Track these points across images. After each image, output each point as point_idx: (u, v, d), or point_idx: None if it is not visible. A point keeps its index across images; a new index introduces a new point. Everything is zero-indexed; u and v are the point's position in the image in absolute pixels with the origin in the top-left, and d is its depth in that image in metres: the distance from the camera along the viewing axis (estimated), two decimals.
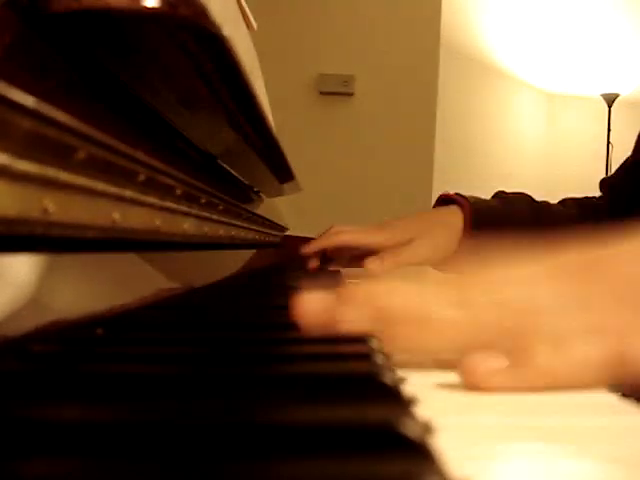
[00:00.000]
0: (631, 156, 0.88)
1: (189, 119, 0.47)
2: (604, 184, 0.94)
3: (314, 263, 0.91)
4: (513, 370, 0.25)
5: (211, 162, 0.61)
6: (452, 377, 0.26)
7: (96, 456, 0.14)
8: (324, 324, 0.29)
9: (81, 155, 0.28)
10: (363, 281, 0.32)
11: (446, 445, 0.16)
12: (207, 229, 0.56)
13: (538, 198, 0.93)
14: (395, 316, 0.28)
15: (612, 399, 0.23)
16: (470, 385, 0.25)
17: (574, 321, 0.27)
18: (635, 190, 0.82)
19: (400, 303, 0.28)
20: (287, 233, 1.18)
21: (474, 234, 0.83)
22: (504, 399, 0.24)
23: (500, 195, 0.92)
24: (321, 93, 2.27)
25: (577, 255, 0.30)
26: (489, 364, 0.25)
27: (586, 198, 0.94)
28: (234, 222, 0.68)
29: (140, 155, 0.35)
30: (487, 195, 0.92)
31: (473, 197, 0.88)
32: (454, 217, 0.85)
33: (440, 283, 0.31)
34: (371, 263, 0.83)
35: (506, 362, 0.25)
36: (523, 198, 0.91)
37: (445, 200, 0.90)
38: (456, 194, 0.89)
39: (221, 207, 0.59)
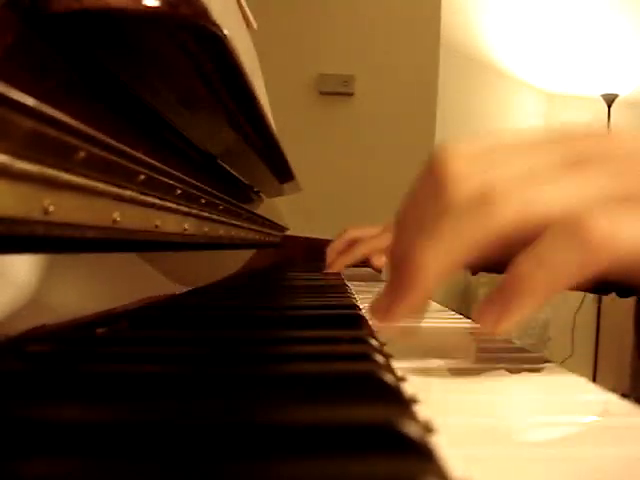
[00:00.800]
0: None
1: (189, 119, 0.47)
2: None
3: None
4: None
5: (211, 162, 0.61)
6: (452, 377, 0.26)
7: (96, 456, 0.14)
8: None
9: (81, 155, 0.28)
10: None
11: (446, 445, 0.16)
12: (207, 229, 0.56)
13: None
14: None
15: (612, 399, 0.23)
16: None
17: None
18: None
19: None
20: (287, 233, 1.18)
21: None
22: (504, 399, 0.24)
23: None
24: (321, 93, 2.27)
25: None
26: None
27: None
28: (234, 222, 0.68)
29: (140, 155, 0.35)
30: None
31: None
32: None
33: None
34: (378, 260, 0.83)
35: None
36: None
37: None
38: None
39: (221, 207, 0.59)
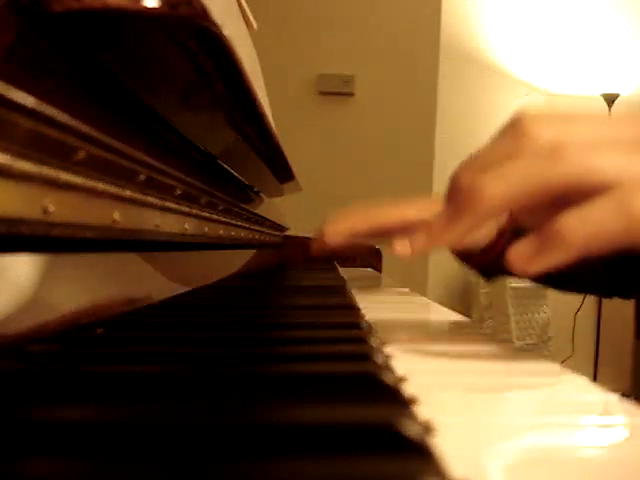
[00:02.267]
0: None
1: (189, 119, 0.47)
2: None
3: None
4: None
5: (211, 162, 0.61)
6: (452, 377, 0.26)
7: (96, 456, 0.14)
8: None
9: (81, 155, 0.28)
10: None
11: (446, 445, 0.16)
12: (207, 229, 0.56)
13: None
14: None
15: (612, 399, 0.23)
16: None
17: None
18: None
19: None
20: (287, 233, 1.18)
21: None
22: (504, 399, 0.24)
23: None
24: (321, 93, 2.27)
25: None
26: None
27: None
28: (234, 222, 0.68)
29: (140, 155, 0.35)
30: None
31: None
32: None
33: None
34: (399, 245, 0.62)
35: None
36: None
37: None
38: None
39: (221, 207, 0.59)
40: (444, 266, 2.30)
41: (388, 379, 0.20)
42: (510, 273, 0.36)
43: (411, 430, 0.15)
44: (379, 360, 0.24)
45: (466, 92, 2.73)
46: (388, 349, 0.30)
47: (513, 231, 0.42)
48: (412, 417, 0.17)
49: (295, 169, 0.83)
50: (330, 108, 2.28)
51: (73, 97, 0.28)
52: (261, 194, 0.94)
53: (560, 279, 0.43)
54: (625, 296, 0.52)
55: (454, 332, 0.40)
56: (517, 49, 2.88)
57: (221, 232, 0.62)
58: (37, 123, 0.24)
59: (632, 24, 2.89)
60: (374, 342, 0.28)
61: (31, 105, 0.22)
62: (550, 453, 0.17)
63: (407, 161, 2.27)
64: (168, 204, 0.43)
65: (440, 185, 2.38)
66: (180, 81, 0.38)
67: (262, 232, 0.89)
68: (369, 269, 1.18)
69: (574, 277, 0.42)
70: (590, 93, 2.89)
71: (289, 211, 1.30)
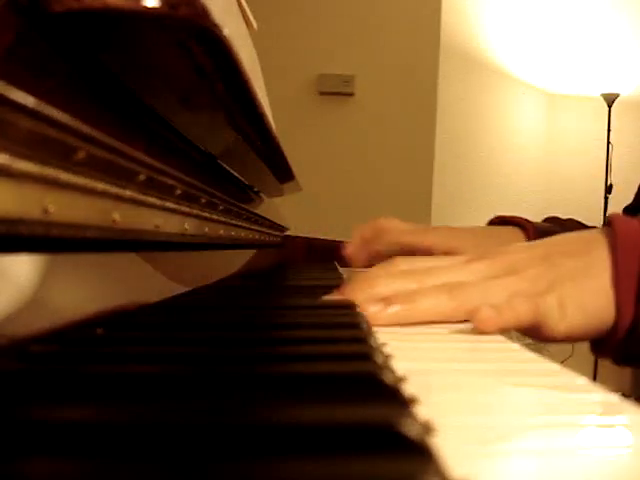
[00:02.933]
0: (632, 202, 0.83)
1: (189, 119, 0.47)
2: None
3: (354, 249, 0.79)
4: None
5: (211, 162, 0.61)
6: (452, 377, 0.26)
7: (96, 456, 0.14)
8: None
9: (81, 155, 0.28)
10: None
11: (446, 445, 0.16)
12: (207, 229, 0.56)
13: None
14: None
15: (612, 399, 0.23)
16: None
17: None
18: None
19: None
20: (287, 233, 1.18)
21: None
22: (504, 399, 0.24)
23: (554, 220, 0.84)
24: (321, 93, 2.27)
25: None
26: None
27: None
28: (234, 222, 0.68)
29: (140, 155, 0.35)
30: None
31: (529, 220, 0.80)
32: (514, 238, 0.76)
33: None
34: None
35: None
36: (577, 225, 0.83)
37: (500, 223, 0.81)
38: (513, 216, 0.80)
39: (221, 207, 0.59)
40: None
41: (388, 379, 0.20)
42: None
43: (411, 430, 0.15)
44: (379, 360, 0.24)
45: (466, 92, 2.73)
46: (388, 349, 0.30)
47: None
48: (412, 417, 0.17)
49: (295, 169, 0.83)
50: (330, 108, 2.28)
51: (73, 97, 0.28)
52: (261, 194, 0.94)
53: None
54: None
55: (454, 332, 0.40)
56: (517, 49, 2.88)
57: (221, 232, 0.62)
58: (37, 123, 0.24)
59: (632, 24, 2.89)
60: (374, 342, 0.28)
61: (31, 105, 0.22)
62: (550, 453, 0.17)
63: (407, 161, 2.27)
64: (168, 204, 0.43)
65: (440, 185, 2.38)
66: (180, 81, 0.38)
67: (262, 232, 0.89)
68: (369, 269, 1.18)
69: None
70: (590, 93, 2.89)
71: (289, 211, 1.30)
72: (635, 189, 0.81)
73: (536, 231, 0.76)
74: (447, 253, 0.70)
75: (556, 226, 0.79)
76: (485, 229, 0.82)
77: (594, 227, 0.80)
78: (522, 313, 0.41)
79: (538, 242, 0.49)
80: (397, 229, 0.77)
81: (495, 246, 0.73)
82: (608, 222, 0.47)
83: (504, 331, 0.40)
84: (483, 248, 0.71)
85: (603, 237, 0.46)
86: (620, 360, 0.48)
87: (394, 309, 0.41)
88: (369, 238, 0.78)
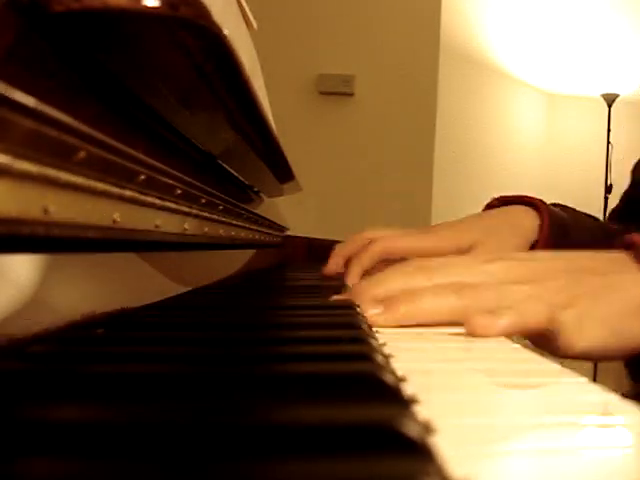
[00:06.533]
0: (619, 204, 0.81)
1: (189, 119, 0.47)
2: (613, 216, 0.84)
3: (335, 268, 0.71)
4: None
5: (211, 162, 0.61)
6: (452, 377, 0.26)
7: (95, 456, 0.14)
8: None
9: (81, 155, 0.28)
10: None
11: (446, 445, 0.16)
12: (207, 229, 0.56)
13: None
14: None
15: (612, 399, 0.23)
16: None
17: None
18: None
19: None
20: (287, 233, 1.18)
21: (550, 242, 0.67)
22: (504, 399, 0.24)
23: (561, 207, 0.75)
24: (321, 93, 2.27)
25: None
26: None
27: None
28: (234, 222, 0.68)
29: (140, 155, 0.35)
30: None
31: (542, 200, 0.72)
32: (526, 219, 0.69)
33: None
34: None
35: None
36: (582, 213, 0.77)
37: (505, 203, 0.73)
38: (520, 195, 0.72)
39: (221, 207, 0.59)
40: None
41: (388, 379, 0.20)
42: None
43: (411, 430, 0.15)
44: (379, 360, 0.24)
45: (466, 92, 2.73)
46: (388, 349, 0.30)
47: None
48: (412, 417, 0.17)
49: (295, 169, 0.83)
50: (330, 108, 2.28)
51: (73, 97, 0.28)
52: (261, 194, 0.94)
53: None
54: None
55: (454, 332, 0.40)
56: (517, 49, 2.88)
57: (221, 232, 0.62)
58: (37, 123, 0.24)
59: (632, 24, 2.89)
60: (374, 342, 0.28)
61: (31, 105, 0.22)
62: (550, 453, 0.17)
63: (407, 161, 2.27)
64: (168, 204, 0.43)
65: (440, 185, 2.38)
66: (180, 81, 0.38)
67: (262, 232, 0.89)
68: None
69: None
70: (590, 93, 2.89)
71: (289, 211, 1.30)
72: None
73: (550, 215, 0.68)
74: (457, 252, 0.64)
75: (568, 215, 0.72)
76: (493, 216, 0.72)
77: (607, 225, 0.77)
78: (532, 317, 0.38)
79: (563, 254, 0.45)
80: (392, 240, 0.68)
81: (510, 233, 0.68)
82: (630, 243, 0.45)
83: (509, 335, 0.37)
84: (496, 239, 0.67)
85: (629, 258, 0.44)
86: None
87: (397, 310, 0.39)
88: (356, 254, 0.68)
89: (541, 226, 0.68)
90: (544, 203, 0.70)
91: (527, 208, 0.70)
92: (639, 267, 0.43)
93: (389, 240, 0.66)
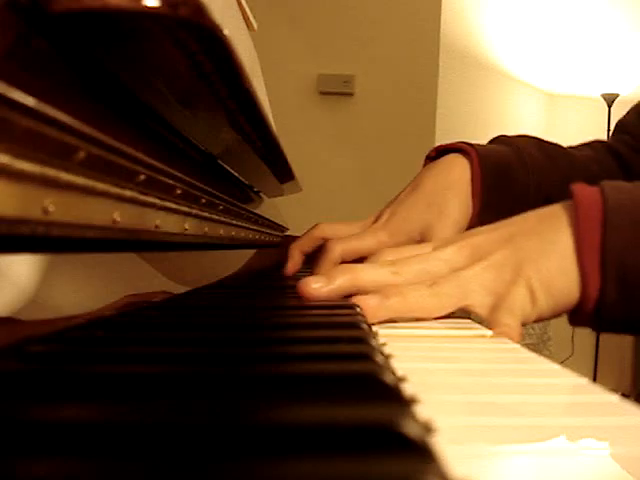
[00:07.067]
0: None
1: (189, 119, 0.47)
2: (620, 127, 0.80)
3: (295, 267, 0.75)
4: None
5: (211, 162, 0.61)
6: (452, 377, 0.26)
7: (95, 456, 0.14)
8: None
9: (81, 155, 0.28)
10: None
11: (446, 445, 0.16)
12: (207, 229, 0.56)
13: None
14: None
15: (612, 399, 0.23)
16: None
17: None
18: None
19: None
20: (287, 233, 1.18)
21: (484, 189, 0.66)
22: (504, 399, 0.24)
23: (503, 140, 0.73)
24: (321, 93, 2.27)
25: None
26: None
27: (599, 141, 0.79)
28: (234, 222, 0.68)
29: (140, 155, 0.35)
30: None
31: (477, 144, 0.69)
32: (457, 170, 0.66)
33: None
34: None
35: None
36: (531, 141, 0.72)
37: (440, 153, 0.71)
38: (452, 143, 0.70)
39: (221, 207, 0.59)
40: None
41: (388, 379, 0.20)
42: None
43: (411, 430, 0.15)
44: (379, 360, 0.24)
45: (466, 92, 2.73)
46: (388, 349, 0.30)
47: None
48: (412, 417, 0.17)
49: (295, 169, 0.83)
50: (330, 108, 2.28)
51: (73, 97, 0.28)
52: (261, 194, 0.94)
53: None
54: None
55: (454, 332, 0.40)
56: (517, 49, 2.88)
57: (221, 232, 0.62)
58: (37, 123, 0.24)
59: (632, 24, 2.89)
60: (374, 342, 0.28)
61: (31, 105, 0.22)
62: (550, 453, 0.17)
63: (407, 161, 2.26)
64: (168, 204, 0.43)
65: None
66: (180, 81, 0.38)
67: (262, 232, 0.89)
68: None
69: None
70: (590, 93, 2.89)
71: (289, 211, 1.30)
72: None
73: (479, 155, 0.66)
74: (407, 242, 0.64)
75: (501, 145, 0.70)
76: (430, 182, 0.68)
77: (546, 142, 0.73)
78: (479, 306, 0.44)
79: (499, 224, 0.48)
80: (339, 235, 0.68)
81: (451, 195, 0.67)
82: (570, 193, 0.46)
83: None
84: (438, 214, 0.66)
85: (564, 211, 0.46)
86: (599, 329, 0.47)
87: (386, 302, 0.42)
88: (311, 253, 0.71)
89: (472, 173, 0.66)
90: (473, 147, 0.67)
91: (457, 155, 0.68)
92: (570, 219, 0.45)
93: (345, 243, 0.65)
